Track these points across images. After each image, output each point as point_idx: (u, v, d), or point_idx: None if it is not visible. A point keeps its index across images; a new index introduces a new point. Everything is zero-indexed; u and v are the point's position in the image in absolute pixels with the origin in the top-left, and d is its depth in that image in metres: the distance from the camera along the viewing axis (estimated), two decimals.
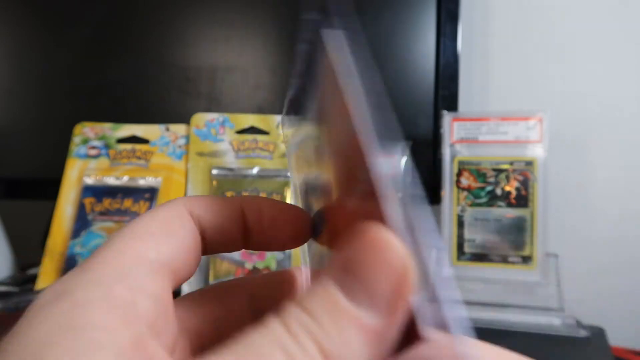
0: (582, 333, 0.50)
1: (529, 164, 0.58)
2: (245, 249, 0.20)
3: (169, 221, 0.17)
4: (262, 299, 0.20)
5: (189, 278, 0.18)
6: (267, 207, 0.19)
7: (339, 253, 0.13)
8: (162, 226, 0.17)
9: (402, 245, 0.13)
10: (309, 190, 0.22)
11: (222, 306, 0.19)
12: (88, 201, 0.56)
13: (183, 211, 0.18)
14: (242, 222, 0.19)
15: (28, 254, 0.69)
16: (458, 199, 0.59)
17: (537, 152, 0.58)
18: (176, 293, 0.17)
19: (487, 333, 0.49)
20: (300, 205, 0.22)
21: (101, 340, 0.12)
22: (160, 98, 0.67)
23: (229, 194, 0.56)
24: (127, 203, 0.56)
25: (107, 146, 0.59)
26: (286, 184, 0.56)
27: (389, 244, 0.13)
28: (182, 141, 0.59)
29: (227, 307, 0.19)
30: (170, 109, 0.67)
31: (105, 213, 0.55)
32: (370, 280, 0.13)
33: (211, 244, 0.19)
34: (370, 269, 0.13)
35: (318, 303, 0.13)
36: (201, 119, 0.59)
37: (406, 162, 0.49)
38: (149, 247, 0.16)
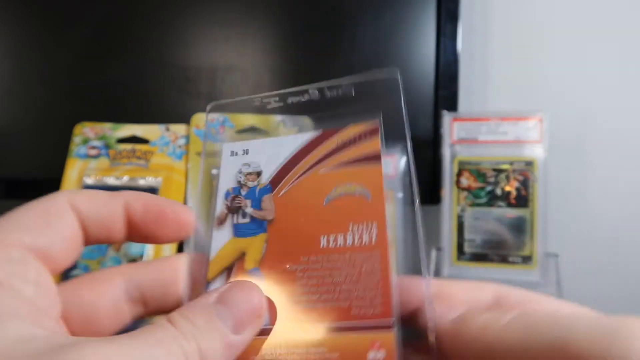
0: None
1: (529, 164, 0.58)
2: (129, 240, 0.22)
3: (47, 212, 0.19)
4: (142, 285, 0.21)
5: (69, 265, 0.20)
6: (152, 203, 0.21)
7: (221, 288, 0.20)
8: (40, 217, 0.19)
9: (260, 292, 0.20)
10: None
11: (93, 292, 0.20)
12: None
13: (63, 203, 0.20)
14: (125, 216, 0.21)
15: None
16: (458, 199, 0.59)
17: (537, 152, 0.58)
18: None
19: None
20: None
21: None
22: (160, 98, 0.67)
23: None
24: None
25: (107, 146, 0.59)
26: None
27: (252, 290, 0.20)
28: (182, 141, 0.59)
29: (99, 293, 0.20)
30: (170, 109, 0.67)
31: None
32: (236, 311, 0.19)
33: (93, 235, 0.20)
34: (238, 304, 0.19)
35: (200, 317, 0.18)
36: (201, 119, 0.59)
37: (406, 162, 0.50)
38: (25, 235, 0.18)
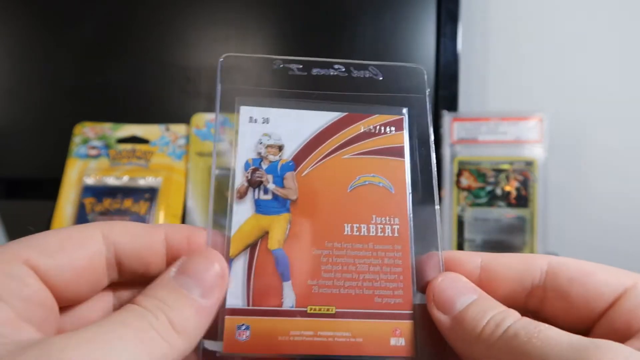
0: None
1: (529, 164, 0.58)
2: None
3: (70, 238, 0.19)
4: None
5: (82, 296, 0.20)
6: (194, 234, 0.22)
7: (178, 262, 0.20)
8: (60, 241, 0.19)
9: (220, 257, 0.21)
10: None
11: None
12: (88, 201, 0.56)
13: (93, 233, 0.20)
14: (164, 249, 0.21)
15: None
16: (458, 199, 0.59)
17: (537, 152, 0.58)
18: None
19: None
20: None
21: None
22: (160, 98, 0.67)
23: (228, 194, 0.56)
24: (127, 203, 0.56)
25: (107, 146, 0.59)
26: None
27: (212, 256, 0.20)
28: (182, 141, 0.59)
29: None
30: (170, 109, 0.67)
31: (105, 213, 0.55)
32: (200, 278, 0.19)
33: (129, 268, 0.21)
34: (200, 271, 0.20)
35: (164, 291, 0.19)
36: (201, 119, 0.59)
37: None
38: (35, 254, 0.18)
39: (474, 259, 0.22)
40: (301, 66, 0.25)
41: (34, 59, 0.69)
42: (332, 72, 0.24)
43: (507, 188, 0.58)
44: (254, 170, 0.25)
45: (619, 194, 0.70)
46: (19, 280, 0.17)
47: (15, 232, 0.73)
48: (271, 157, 0.25)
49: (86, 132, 0.60)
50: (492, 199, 0.58)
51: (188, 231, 0.22)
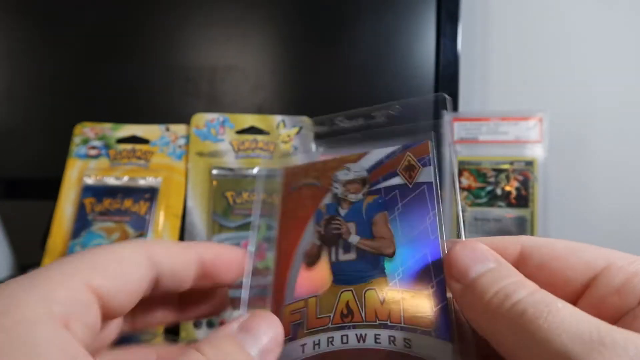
0: None
1: (529, 164, 0.58)
2: (195, 287, 0.22)
3: (122, 260, 0.20)
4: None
5: (124, 313, 0.20)
6: (223, 252, 0.22)
7: (240, 318, 0.20)
8: (115, 263, 0.19)
9: (279, 322, 0.20)
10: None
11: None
12: (88, 201, 0.56)
13: (139, 253, 0.20)
14: (197, 267, 0.22)
15: (28, 254, 0.69)
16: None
17: (537, 152, 0.58)
18: None
19: None
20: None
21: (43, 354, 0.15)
22: (160, 98, 0.67)
23: (229, 194, 0.56)
24: (127, 203, 0.56)
25: (107, 146, 0.59)
26: None
27: (273, 320, 0.20)
28: (182, 141, 0.59)
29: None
30: (170, 109, 0.67)
31: (105, 213, 0.55)
32: (260, 339, 0.19)
33: (165, 285, 0.21)
34: (261, 332, 0.19)
35: (228, 344, 0.19)
36: (201, 119, 0.59)
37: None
38: (96, 278, 0.18)
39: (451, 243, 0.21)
40: (328, 122, 0.23)
41: (34, 59, 0.69)
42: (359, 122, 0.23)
43: (507, 188, 0.58)
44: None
45: (619, 193, 0.70)
46: (85, 307, 0.18)
47: (15, 232, 0.73)
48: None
49: (86, 132, 0.60)
50: (492, 199, 0.58)
51: (219, 250, 0.22)
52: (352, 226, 0.19)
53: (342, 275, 0.18)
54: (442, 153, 0.62)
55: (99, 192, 0.56)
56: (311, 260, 0.19)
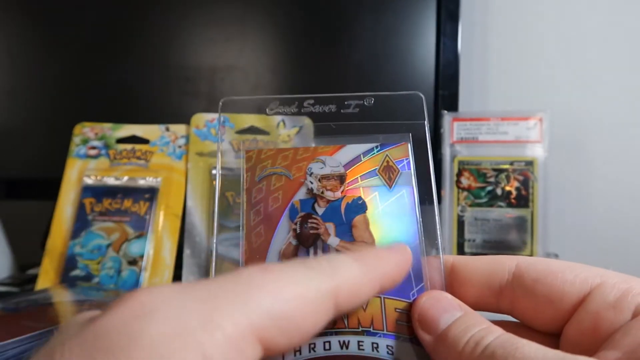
0: None
1: (529, 164, 0.58)
2: None
3: (308, 310, 0.16)
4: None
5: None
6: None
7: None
8: (301, 316, 0.16)
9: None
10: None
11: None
12: (88, 201, 0.56)
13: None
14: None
15: (28, 254, 0.69)
16: (458, 199, 0.59)
17: (537, 152, 0.58)
18: None
19: None
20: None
21: None
22: (160, 98, 0.67)
23: (229, 194, 0.56)
24: (127, 203, 0.56)
25: (107, 146, 0.59)
26: None
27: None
28: (182, 141, 0.59)
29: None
30: (170, 109, 0.67)
31: (105, 213, 0.55)
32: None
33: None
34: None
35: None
36: (201, 119, 0.59)
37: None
38: (276, 337, 0.15)
39: (447, 261, 0.21)
40: (296, 104, 0.22)
41: (34, 59, 0.69)
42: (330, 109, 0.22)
43: (507, 188, 0.58)
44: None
45: (619, 193, 0.70)
46: (240, 354, 0.14)
47: (15, 232, 0.73)
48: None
49: (86, 132, 0.60)
50: (492, 199, 0.58)
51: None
52: (330, 227, 0.18)
53: None
54: (443, 154, 0.61)
55: (99, 192, 0.56)
56: (288, 261, 0.18)
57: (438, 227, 0.22)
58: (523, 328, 0.21)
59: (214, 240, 0.20)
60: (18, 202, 0.70)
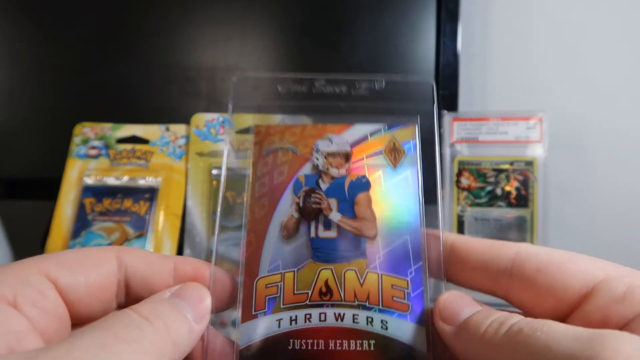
0: None
1: (529, 164, 0.58)
2: None
3: (88, 257, 0.20)
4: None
5: (92, 313, 0.20)
6: (200, 267, 0.21)
7: (172, 288, 0.20)
8: (78, 259, 0.19)
9: (208, 293, 0.20)
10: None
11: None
12: (88, 201, 0.56)
13: (109, 255, 0.20)
14: (172, 280, 0.21)
15: (28, 254, 0.69)
16: (458, 199, 0.59)
17: (537, 152, 0.58)
18: None
19: None
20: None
21: None
22: (160, 98, 0.67)
23: (229, 194, 0.56)
24: (127, 203, 0.56)
25: (107, 146, 0.59)
26: None
27: (203, 290, 0.20)
28: (182, 141, 0.59)
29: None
30: (170, 109, 0.67)
31: (105, 213, 0.55)
32: (194, 305, 0.19)
33: (135, 290, 0.21)
34: (194, 299, 0.20)
35: (164, 306, 0.19)
36: (201, 119, 0.59)
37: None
38: (54, 268, 0.18)
39: (447, 238, 0.22)
40: (308, 84, 0.22)
41: (34, 59, 0.69)
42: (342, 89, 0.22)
43: (507, 188, 0.58)
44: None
45: (619, 193, 0.70)
46: (37, 291, 0.18)
47: (15, 232, 0.73)
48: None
49: (86, 132, 0.60)
50: (492, 199, 0.58)
51: (196, 264, 0.22)
52: (333, 202, 0.18)
53: (321, 253, 0.18)
54: (443, 154, 0.61)
55: (99, 192, 0.56)
56: (289, 233, 0.18)
57: (440, 209, 0.22)
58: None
59: (214, 240, 0.21)
60: (18, 202, 0.69)
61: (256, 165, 0.21)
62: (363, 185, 0.19)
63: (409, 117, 0.22)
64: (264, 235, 0.19)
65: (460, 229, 0.59)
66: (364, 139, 0.20)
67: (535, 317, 0.20)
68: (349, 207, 0.18)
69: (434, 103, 0.22)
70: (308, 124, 0.22)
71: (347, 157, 0.19)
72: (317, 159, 0.18)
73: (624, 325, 0.18)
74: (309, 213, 0.18)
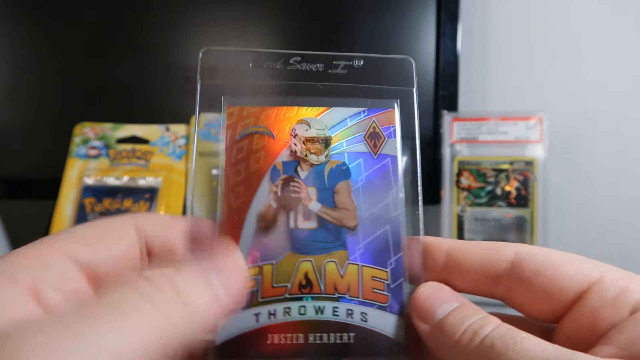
0: None
1: (529, 164, 0.58)
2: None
3: (107, 230, 0.19)
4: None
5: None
6: (209, 224, 0.21)
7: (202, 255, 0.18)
8: (98, 234, 0.19)
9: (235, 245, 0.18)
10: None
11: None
12: (88, 201, 0.56)
13: (126, 224, 0.20)
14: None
15: None
16: (458, 199, 0.59)
17: (537, 152, 0.58)
18: None
19: None
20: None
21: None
22: (160, 98, 0.67)
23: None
24: (127, 203, 0.56)
25: (107, 146, 0.59)
26: None
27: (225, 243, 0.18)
28: (182, 141, 0.59)
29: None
30: (170, 109, 0.67)
31: (105, 213, 0.55)
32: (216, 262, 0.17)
33: (157, 254, 0.20)
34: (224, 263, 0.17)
35: (189, 271, 0.16)
36: (201, 118, 0.59)
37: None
38: (75, 248, 0.17)
39: (442, 245, 0.21)
40: (282, 60, 0.21)
41: (34, 59, 0.69)
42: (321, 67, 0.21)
43: (507, 188, 0.58)
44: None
45: (619, 193, 0.70)
46: (59, 274, 0.17)
47: (15, 232, 0.73)
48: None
49: (86, 132, 0.60)
50: (492, 199, 0.58)
51: (205, 221, 0.21)
52: (312, 191, 0.18)
53: (301, 244, 0.18)
54: (443, 154, 0.61)
55: (99, 192, 0.56)
56: (267, 224, 0.18)
57: (420, 195, 0.21)
58: (516, 317, 0.21)
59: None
60: (18, 202, 0.69)
61: (230, 151, 0.20)
62: (343, 173, 0.18)
63: (389, 101, 0.21)
64: (241, 226, 0.18)
65: (460, 228, 0.59)
66: (343, 123, 0.20)
67: (534, 319, 0.20)
68: (328, 196, 0.18)
69: (414, 82, 0.21)
70: (284, 106, 0.20)
71: (326, 142, 0.18)
72: (295, 144, 0.18)
73: (608, 331, 0.18)
74: (287, 202, 0.17)
